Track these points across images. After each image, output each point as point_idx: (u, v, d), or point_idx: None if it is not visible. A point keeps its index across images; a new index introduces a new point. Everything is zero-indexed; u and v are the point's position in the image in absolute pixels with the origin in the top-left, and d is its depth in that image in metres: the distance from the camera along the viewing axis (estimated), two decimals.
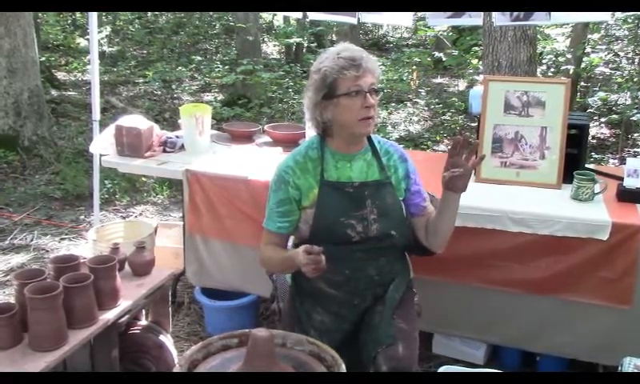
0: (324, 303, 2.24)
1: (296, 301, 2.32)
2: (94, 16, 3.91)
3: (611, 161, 6.56)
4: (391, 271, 2.25)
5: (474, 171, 3.02)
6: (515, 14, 3.27)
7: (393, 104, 9.26)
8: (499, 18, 3.33)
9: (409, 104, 9.42)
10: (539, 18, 3.24)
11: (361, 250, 2.18)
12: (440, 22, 3.65)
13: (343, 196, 2.18)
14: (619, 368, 1.86)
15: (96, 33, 4.00)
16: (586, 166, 3.09)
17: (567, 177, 2.90)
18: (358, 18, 3.64)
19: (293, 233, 2.28)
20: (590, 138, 7.39)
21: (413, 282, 2.43)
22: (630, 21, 7.67)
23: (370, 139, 2.27)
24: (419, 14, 5.71)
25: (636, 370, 1.79)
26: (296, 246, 2.23)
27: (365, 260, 2.19)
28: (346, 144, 2.22)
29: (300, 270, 2.05)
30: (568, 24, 7.86)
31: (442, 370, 2.16)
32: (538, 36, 8.53)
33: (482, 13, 3.39)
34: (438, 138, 7.74)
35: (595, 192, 2.78)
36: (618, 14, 3.47)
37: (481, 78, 3.29)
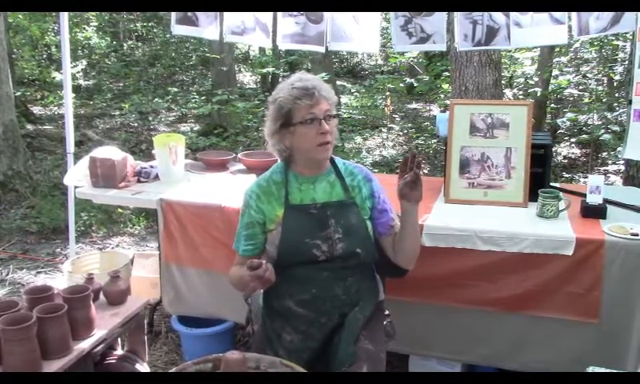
0: (293, 323, 2.27)
1: (267, 322, 2.35)
2: (66, 49, 3.96)
3: (582, 180, 6.69)
4: (358, 291, 2.28)
5: (442, 192, 3.14)
6: (477, 39, 3.37)
7: (368, 130, 9.37)
8: (462, 44, 3.42)
9: (383, 130, 9.54)
10: (500, 43, 3.35)
11: (328, 270, 2.22)
12: (405, 48, 3.73)
13: (308, 217, 2.24)
14: None
15: (69, 65, 4.05)
16: (551, 184, 3.16)
17: (533, 195, 2.95)
18: (327, 47, 3.75)
19: (258, 255, 2.33)
20: (561, 158, 7.58)
21: (384, 303, 2.46)
22: (595, 44, 7.90)
23: (332, 161, 2.35)
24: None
25: None
26: None
27: (332, 279, 2.23)
28: (308, 168, 2.30)
29: (270, 290, 2.23)
30: (527, 48, 8.05)
31: None
32: (507, 61, 8.75)
33: (445, 39, 3.48)
34: None
35: (560, 209, 2.85)
36: (583, 38, 3.56)
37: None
